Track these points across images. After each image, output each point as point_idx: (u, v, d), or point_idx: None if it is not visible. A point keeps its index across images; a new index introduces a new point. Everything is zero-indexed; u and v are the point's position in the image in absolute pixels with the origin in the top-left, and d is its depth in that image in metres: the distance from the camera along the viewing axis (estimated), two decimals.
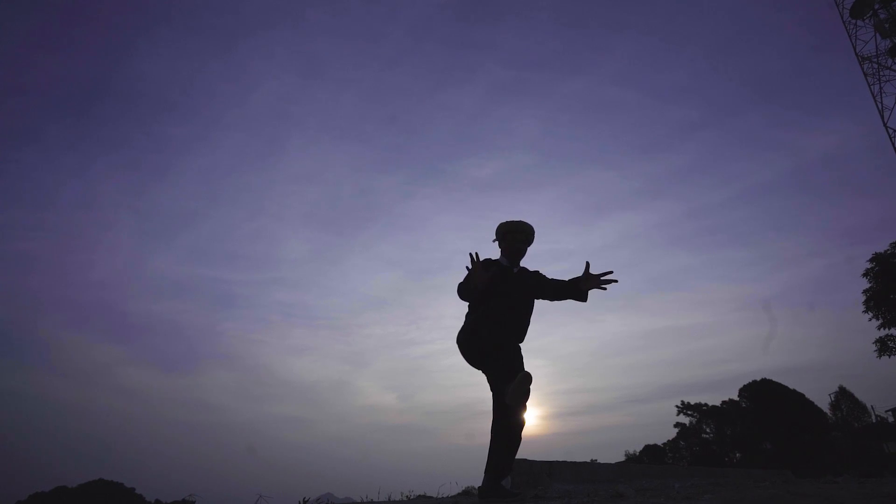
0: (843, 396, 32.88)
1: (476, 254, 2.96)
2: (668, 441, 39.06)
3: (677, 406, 39.03)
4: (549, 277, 3.25)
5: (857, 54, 27.07)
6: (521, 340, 3.04)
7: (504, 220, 3.22)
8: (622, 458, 38.17)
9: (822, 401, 33.53)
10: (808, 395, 34.01)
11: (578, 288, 3.13)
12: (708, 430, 37.72)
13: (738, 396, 36.50)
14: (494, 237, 3.25)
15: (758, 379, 36.08)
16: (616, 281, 3.11)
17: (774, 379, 35.65)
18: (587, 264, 3.10)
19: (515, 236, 3.16)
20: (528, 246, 3.21)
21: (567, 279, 3.21)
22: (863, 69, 26.86)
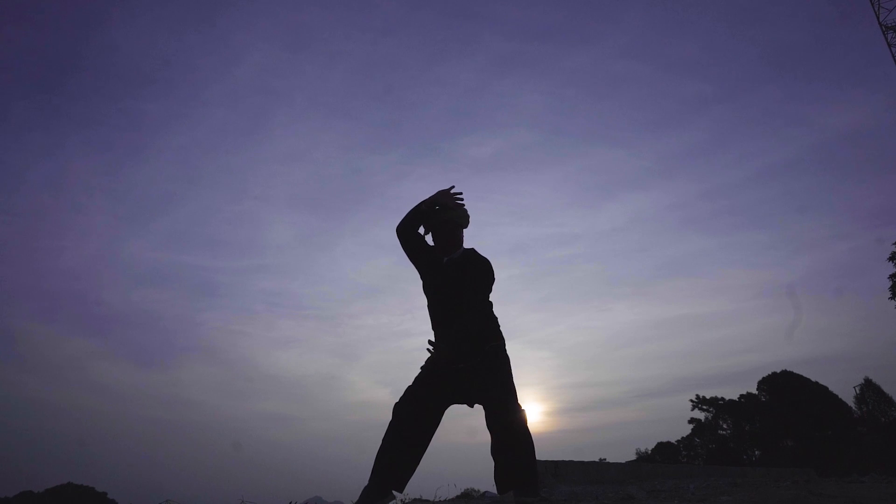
0: (868, 389, 32.80)
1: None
2: (682, 438, 39.12)
3: (692, 400, 39.06)
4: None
5: (880, 24, 26.76)
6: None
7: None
8: (633, 457, 38.19)
9: (847, 394, 33.44)
10: (831, 388, 33.96)
11: None
12: (725, 426, 37.77)
13: (757, 390, 36.52)
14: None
15: (778, 371, 36.07)
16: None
17: (796, 371, 35.60)
18: None
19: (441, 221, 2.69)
20: (455, 228, 2.67)
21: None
22: (887, 39, 26.56)
